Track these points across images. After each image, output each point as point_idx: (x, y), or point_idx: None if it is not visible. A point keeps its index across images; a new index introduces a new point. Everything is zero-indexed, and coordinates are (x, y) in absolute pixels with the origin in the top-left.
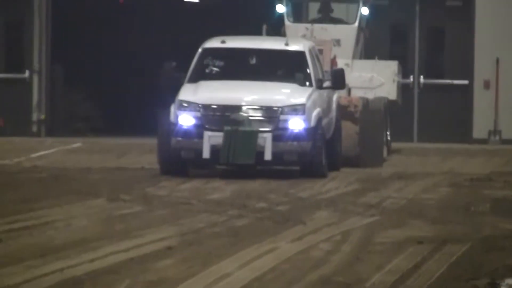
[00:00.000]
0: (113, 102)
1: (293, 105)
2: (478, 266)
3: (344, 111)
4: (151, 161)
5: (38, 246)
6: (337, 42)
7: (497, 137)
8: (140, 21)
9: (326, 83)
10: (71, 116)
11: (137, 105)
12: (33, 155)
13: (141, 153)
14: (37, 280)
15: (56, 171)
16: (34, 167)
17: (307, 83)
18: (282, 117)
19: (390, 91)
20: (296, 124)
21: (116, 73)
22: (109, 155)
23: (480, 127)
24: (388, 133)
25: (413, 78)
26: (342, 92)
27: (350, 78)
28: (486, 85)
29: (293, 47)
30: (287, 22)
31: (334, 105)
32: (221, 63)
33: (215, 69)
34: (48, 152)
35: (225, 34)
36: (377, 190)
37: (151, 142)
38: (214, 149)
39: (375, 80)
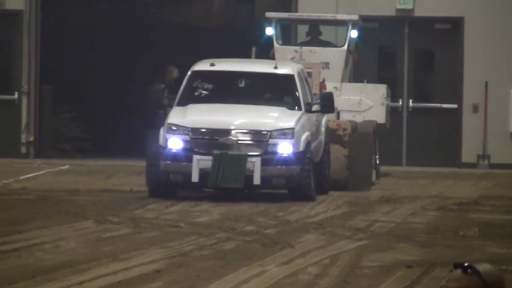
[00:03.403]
0: (101, 123)
1: (282, 129)
2: None
3: (333, 135)
4: (139, 183)
5: (27, 268)
6: (326, 65)
7: (486, 161)
8: (131, 43)
9: (315, 107)
10: (59, 137)
11: (125, 127)
12: (22, 177)
13: (129, 175)
14: None
15: (45, 193)
16: (23, 189)
17: (296, 107)
18: (271, 141)
19: (379, 115)
20: (285, 148)
21: (105, 94)
22: (97, 177)
23: (469, 151)
24: (376, 156)
25: (402, 101)
26: (331, 116)
27: (339, 101)
28: (475, 109)
29: (282, 70)
30: (276, 45)
31: (323, 129)
32: (210, 86)
33: (204, 92)
34: (37, 174)
35: (215, 56)
36: (365, 214)
37: (140, 164)
38: (202, 173)
39: (363, 103)
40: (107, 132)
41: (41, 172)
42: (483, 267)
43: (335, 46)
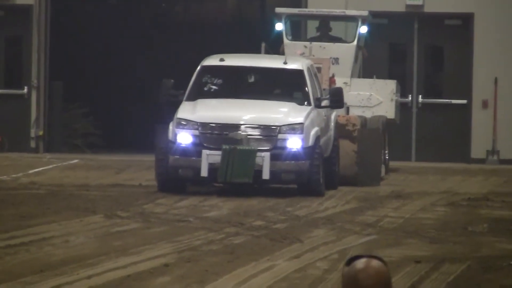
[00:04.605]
0: (111, 118)
1: (291, 124)
2: (475, 286)
3: (342, 130)
4: (149, 178)
5: (36, 262)
6: (336, 61)
7: (495, 157)
8: (141, 38)
9: (325, 102)
10: (70, 133)
11: (136, 122)
12: (31, 171)
13: (139, 170)
14: None
15: (54, 187)
16: (32, 183)
17: (306, 102)
18: (280, 136)
19: (388, 110)
20: (294, 143)
21: (115, 89)
22: (107, 171)
23: (478, 147)
24: (386, 152)
25: (412, 97)
26: (341, 111)
27: (349, 97)
28: (485, 104)
29: (292, 65)
30: (285, 40)
31: (332, 124)
32: (219, 81)
33: (214, 87)
34: (46, 168)
35: (225, 52)
36: (374, 209)
37: (149, 159)
38: (212, 168)
39: (373, 99)
40: (118, 127)
41: (51, 166)
42: (360, 262)
43: (344, 41)
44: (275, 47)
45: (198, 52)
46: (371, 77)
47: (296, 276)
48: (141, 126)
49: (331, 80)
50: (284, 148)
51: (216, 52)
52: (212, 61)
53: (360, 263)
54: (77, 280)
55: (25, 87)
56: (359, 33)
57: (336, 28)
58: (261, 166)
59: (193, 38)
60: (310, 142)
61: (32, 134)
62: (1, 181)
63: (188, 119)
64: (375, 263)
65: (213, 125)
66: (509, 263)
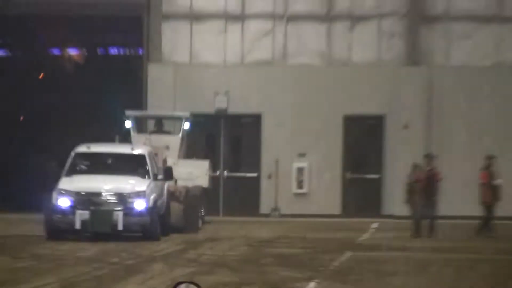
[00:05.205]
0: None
1: (137, 192)
2: None
3: (172, 195)
4: (39, 229)
5: None
6: (167, 147)
7: (277, 212)
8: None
9: (160, 176)
10: None
11: (23, 187)
12: None
13: (30, 224)
14: None
15: None
16: None
17: (147, 176)
18: (129, 200)
19: (203, 181)
20: (139, 205)
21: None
22: (4, 225)
23: (265, 205)
24: (202, 210)
25: (220, 171)
26: (171, 182)
27: (176, 172)
28: (270, 176)
29: (137, 151)
30: (132, 133)
31: (165, 191)
32: (87, 163)
33: (83, 166)
34: None
35: (90, 141)
36: (195, 249)
37: (37, 217)
38: (83, 222)
39: (193, 173)
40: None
41: None
42: (182, 285)
43: (173, 134)
44: (126, 138)
45: (72, 140)
46: (191, 158)
47: None
48: (29, 190)
49: (164, 161)
50: (132, 208)
51: (85, 142)
52: (82, 148)
53: (182, 286)
54: None
55: None
56: (183, 128)
57: (167, 124)
58: (117, 221)
59: (65, 128)
60: (150, 204)
61: None
62: None
63: (66, 189)
64: (192, 286)
65: (83, 193)
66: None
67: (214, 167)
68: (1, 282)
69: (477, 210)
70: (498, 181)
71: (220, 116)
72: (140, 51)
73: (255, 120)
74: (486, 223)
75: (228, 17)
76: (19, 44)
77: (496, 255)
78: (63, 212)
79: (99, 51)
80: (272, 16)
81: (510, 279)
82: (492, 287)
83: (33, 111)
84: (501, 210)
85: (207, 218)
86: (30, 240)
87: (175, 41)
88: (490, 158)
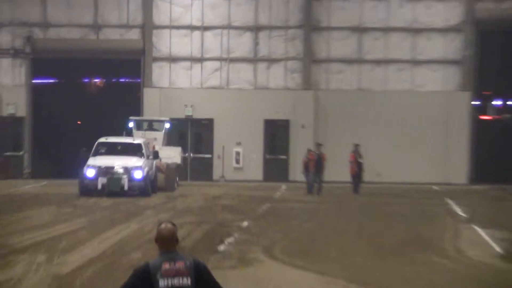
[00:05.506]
0: (60, 158)
1: (136, 166)
2: None
3: (158, 168)
4: (75, 189)
5: (30, 224)
6: (155, 139)
7: (223, 179)
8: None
9: (150, 157)
10: (35, 166)
11: (69, 163)
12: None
13: (72, 186)
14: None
15: (34, 195)
16: (24, 193)
17: (142, 157)
18: (131, 171)
19: (178, 160)
20: (138, 174)
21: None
22: (55, 187)
23: (216, 174)
24: (177, 177)
25: (187, 154)
26: (158, 160)
27: (160, 154)
28: (219, 156)
29: (137, 141)
30: (133, 131)
31: (154, 166)
32: (105, 148)
33: (103, 150)
34: (28, 186)
35: (107, 135)
36: (172, 202)
37: (75, 182)
38: (103, 185)
39: (171, 155)
40: (61, 165)
41: (30, 186)
42: (163, 223)
43: (159, 131)
44: (130, 133)
45: (94, 132)
46: (170, 145)
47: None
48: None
49: (153, 147)
50: (133, 176)
51: (105, 135)
52: (102, 139)
53: (163, 224)
54: (44, 234)
55: None
56: (165, 127)
57: (155, 125)
58: (124, 184)
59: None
60: (145, 173)
61: None
62: None
63: (92, 164)
64: (169, 224)
65: (103, 167)
66: None
67: (184, 151)
68: (51, 221)
69: (348, 178)
70: (360, 160)
71: (188, 120)
72: (139, 80)
73: (210, 122)
74: (355, 186)
75: (193, 59)
76: (64, 75)
77: (358, 202)
78: (90, 179)
79: (113, 80)
80: (220, 59)
81: (363, 212)
82: (353, 220)
83: (75, 118)
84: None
85: (180, 182)
86: (70, 196)
87: (160, 74)
88: (356, 145)
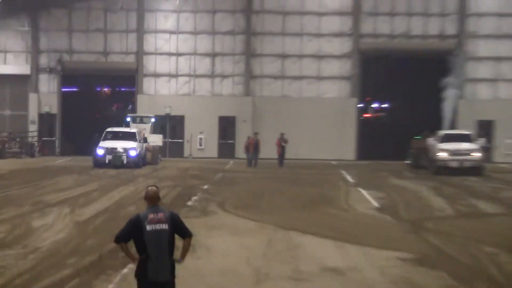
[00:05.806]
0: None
1: (132, 147)
2: None
3: (147, 149)
4: (90, 163)
5: (57, 186)
6: (145, 129)
7: (191, 156)
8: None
9: (142, 141)
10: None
11: (88, 145)
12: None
13: (88, 161)
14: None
15: (62, 167)
16: (55, 166)
17: (137, 141)
18: (129, 151)
19: (160, 143)
20: (133, 153)
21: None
22: (76, 162)
23: (186, 153)
24: (160, 155)
25: (167, 139)
26: (147, 143)
27: (149, 140)
28: (188, 141)
29: (133, 130)
30: (130, 123)
31: (144, 147)
32: (111, 135)
33: (109, 136)
34: (58, 161)
35: (113, 126)
36: (156, 172)
37: (90, 158)
38: (109, 160)
39: (157, 140)
40: (80, 146)
41: (62, 159)
42: (150, 186)
43: (147, 123)
44: (128, 125)
45: (104, 125)
46: (155, 133)
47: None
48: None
49: (144, 135)
50: (129, 154)
51: (109, 126)
52: (109, 129)
53: (150, 187)
54: (72, 192)
55: None
56: (152, 121)
57: (145, 120)
58: (123, 160)
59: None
60: (137, 152)
61: None
62: None
63: (102, 146)
64: (154, 187)
65: (109, 148)
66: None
67: (164, 137)
68: (73, 185)
69: (275, 156)
70: (284, 144)
71: (167, 116)
72: (134, 89)
73: (182, 118)
74: (280, 162)
75: (170, 75)
76: (83, 85)
77: (282, 172)
78: (100, 156)
79: (116, 89)
80: (189, 75)
81: (285, 179)
82: (284, 187)
83: (91, 114)
84: (287, 155)
85: (161, 159)
86: (87, 168)
87: (148, 86)
88: (282, 134)
